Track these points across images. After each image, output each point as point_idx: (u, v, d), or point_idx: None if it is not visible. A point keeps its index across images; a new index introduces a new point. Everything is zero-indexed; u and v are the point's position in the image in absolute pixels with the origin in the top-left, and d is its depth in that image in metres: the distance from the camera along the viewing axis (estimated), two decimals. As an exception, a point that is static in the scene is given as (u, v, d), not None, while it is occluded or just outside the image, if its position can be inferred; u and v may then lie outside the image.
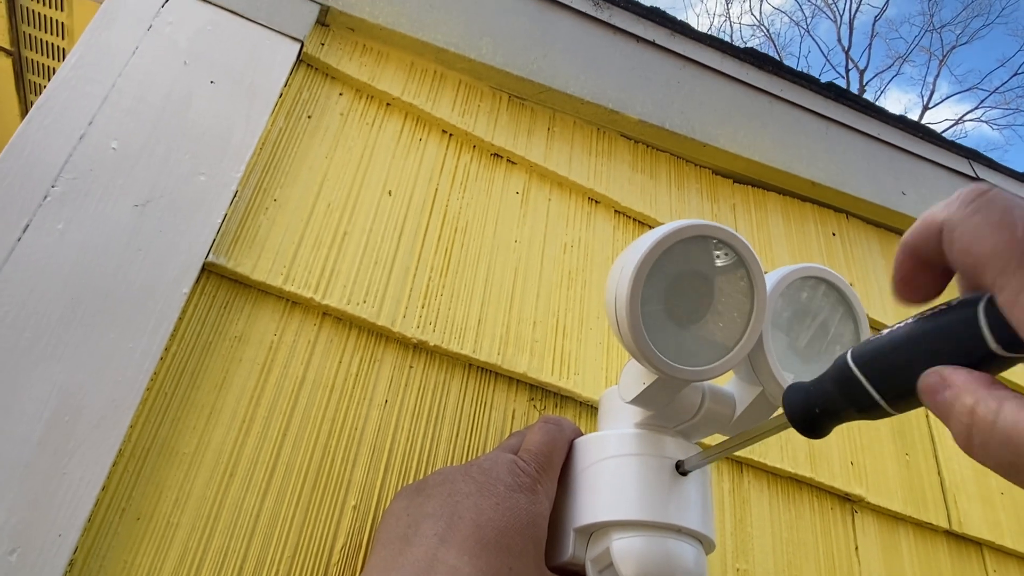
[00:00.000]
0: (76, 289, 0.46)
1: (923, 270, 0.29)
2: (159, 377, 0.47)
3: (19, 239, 0.45)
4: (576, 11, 0.79)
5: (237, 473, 0.47)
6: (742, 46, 0.93)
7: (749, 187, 0.87)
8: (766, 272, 0.46)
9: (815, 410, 0.34)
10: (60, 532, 0.40)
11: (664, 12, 0.85)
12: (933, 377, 0.27)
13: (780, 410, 0.46)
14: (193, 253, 0.50)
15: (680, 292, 0.43)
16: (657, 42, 0.83)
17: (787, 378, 0.44)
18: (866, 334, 0.45)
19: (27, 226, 0.46)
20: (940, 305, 0.29)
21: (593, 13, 0.80)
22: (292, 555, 0.46)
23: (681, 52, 0.85)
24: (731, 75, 0.88)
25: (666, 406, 0.47)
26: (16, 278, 0.44)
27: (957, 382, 0.26)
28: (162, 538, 0.44)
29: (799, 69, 0.95)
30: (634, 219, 0.76)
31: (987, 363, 0.27)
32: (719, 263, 0.43)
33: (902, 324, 0.30)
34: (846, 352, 0.32)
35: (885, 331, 0.31)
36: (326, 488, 0.49)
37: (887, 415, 0.31)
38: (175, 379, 0.48)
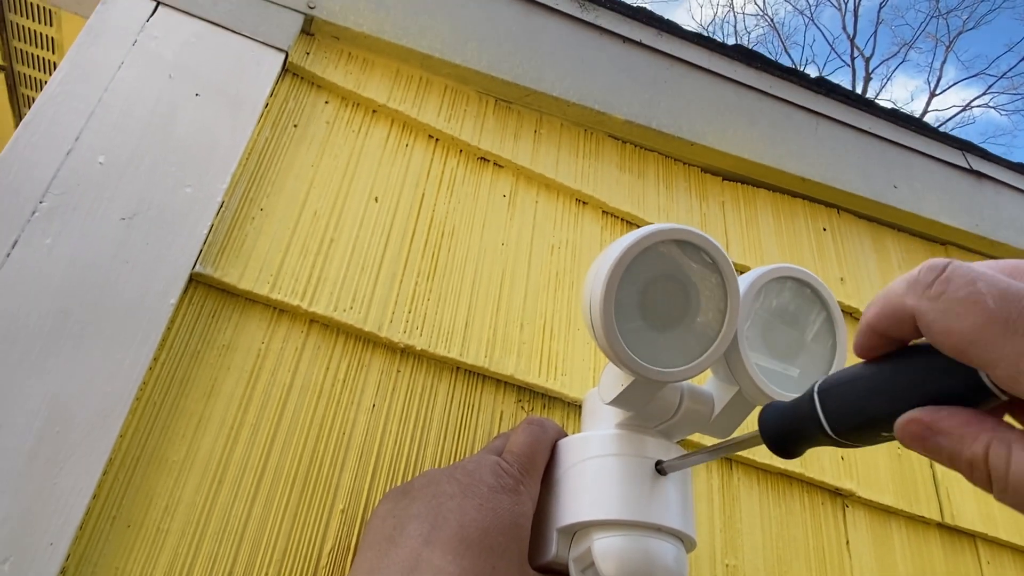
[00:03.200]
0: (65, 302, 0.47)
1: (889, 344, 0.29)
2: (148, 387, 0.48)
3: (8, 255, 0.46)
4: (561, 13, 0.80)
5: (226, 479, 0.48)
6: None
7: (739, 184, 0.87)
8: (746, 271, 0.47)
9: (788, 434, 0.34)
10: (51, 541, 0.41)
11: (651, 12, 0.85)
12: (914, 426, 0.26)
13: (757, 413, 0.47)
14: (180, 264, 0.51)
15: (654, 295, 0.43)
16: (644, 42, 0.84)
17: (764, 377, 0.44)
18: (841, 330, 0.46)
19: (16, 241, 0.47)
20: (906, 348, 0.29)
21: (579, 15, 0.81)
22: (281, 559, 0.47)
23: (668, 51, 0.85)
24: (719, 73, 0.88)
25: (645, 407, 0.47)
26: (6, 292, 0.45)
27: (946, 427, 0.25)
28: (152, 545, 0.45)
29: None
30: (622, 219, 0.76)
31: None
32: (692, 265, 0.43)
33: (868, 363, 0.30)
34: (816, 381, 0.32)
35: (855, 365, 0.31)
36: (314, 493, 0.50)
37: (849, 446, 0.31)
38: (164, 388, 0.49)
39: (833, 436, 0.30)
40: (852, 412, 0.30)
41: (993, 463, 0.23)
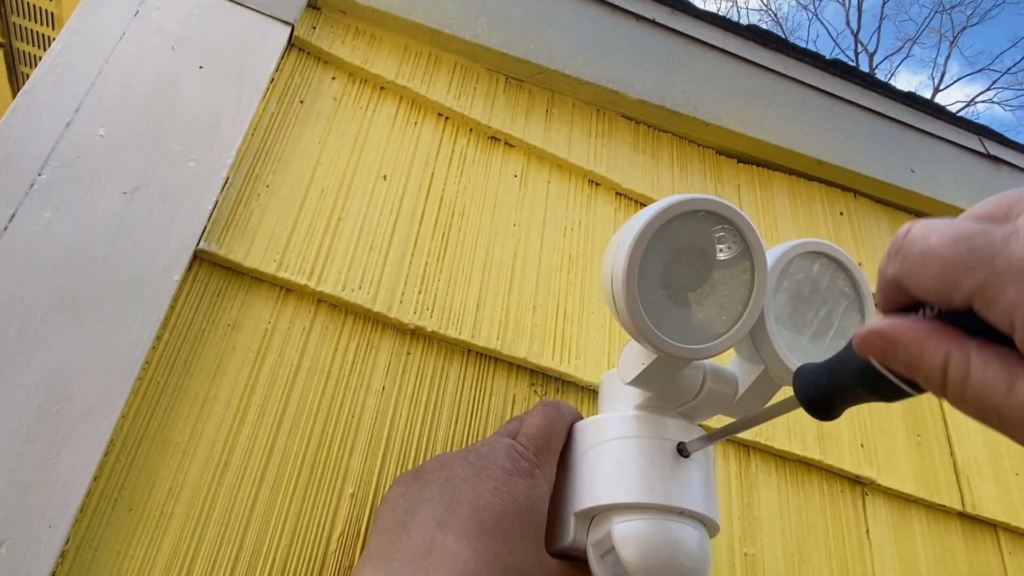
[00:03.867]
0: (64, 278, 0.45)
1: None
2: (151, 366, 0.47)
3: (5, 228, 0.45)
4: (573, -10, 0.78)
5: (232, 462, 0.46)
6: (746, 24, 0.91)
7: (754, 167, 0.85)
8: (768, 248, 0.45)
9: (828, 393, 0.32)
10: (51, 523, 0.39)
11: (664, -10, 0.83)
12: (876, 338, 0.26)
13: (784, 393, 0.45)
14: (184, 240, 0.49)
15: (678, 269, 0.41)
16: (657, 20, 0.82)
17: (790, 356, 0.42)
18: (870, 308, 0.44)
19: (13, 215, 0.45)
20: None
21: (591, -8, 0.79)
22: (289, 544, 0.46)
23: (682, 30, 0.83)
24: (734, 53, 0.86)
25: (666, 387, 0.46)
26: (3, 268, 0.44)
27: (907, 339, 0.25)
28: (155, 528, 0.43)
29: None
30: (636, 201, 0.74)
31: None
32: (717, 239, 0.41)
33: None
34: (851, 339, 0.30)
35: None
36: (323, 476, 0.49)
37: (908, 396, 0.29)
38: (167, 368, 0.47)
39: (904, 387, 0.28)
40: None
41: (952, 374, 0.24)
